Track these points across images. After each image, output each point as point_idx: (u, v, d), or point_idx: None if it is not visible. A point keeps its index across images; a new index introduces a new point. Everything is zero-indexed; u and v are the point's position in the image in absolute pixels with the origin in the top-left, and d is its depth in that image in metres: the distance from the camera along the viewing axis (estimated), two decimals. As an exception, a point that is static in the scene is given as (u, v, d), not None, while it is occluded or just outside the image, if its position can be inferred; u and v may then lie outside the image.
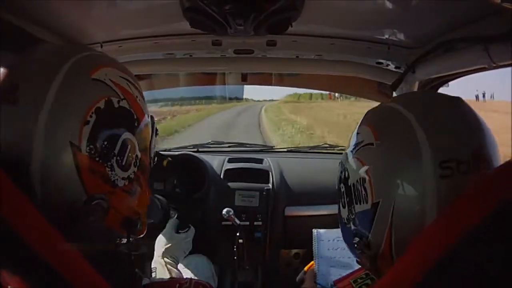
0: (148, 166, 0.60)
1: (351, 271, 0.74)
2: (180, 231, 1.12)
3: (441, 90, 1.35)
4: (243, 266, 1.35)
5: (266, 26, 0.90)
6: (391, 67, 1.28)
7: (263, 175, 1.56)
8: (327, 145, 2.07)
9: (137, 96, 0.56)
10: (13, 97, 0.47)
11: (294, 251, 1.65)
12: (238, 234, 1.33)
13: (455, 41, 0.91)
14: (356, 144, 0.58)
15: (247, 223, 1.45)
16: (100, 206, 0.50)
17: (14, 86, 0.47)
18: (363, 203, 0.54)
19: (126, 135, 0.53)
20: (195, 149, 1.85)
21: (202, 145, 1.94)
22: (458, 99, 0.56)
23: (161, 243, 1.07)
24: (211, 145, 1.97)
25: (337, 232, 1.08)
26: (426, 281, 0.44)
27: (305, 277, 1.04)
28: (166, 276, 0.97)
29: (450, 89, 1.22)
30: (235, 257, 1.35)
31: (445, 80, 1.28)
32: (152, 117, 0.61)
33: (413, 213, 0.50)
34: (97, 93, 0.50)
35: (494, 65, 0.80)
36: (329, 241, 1.08)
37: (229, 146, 1.98)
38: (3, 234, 0.43)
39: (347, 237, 0.63)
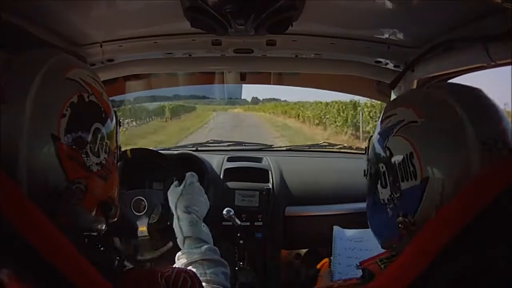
0: (115, 154, 0.68)
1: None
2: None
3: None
4: (243, 267, 1.35)
5: (267, 26, 0.90)
6: (390, 66, 1.29)
7: (262, 174, 1.56)
8: (326, 143, 2.07)
9: (102, 93, 0.64)
10: (2, 97, 0.53)
11: (294, 251, 1.65)
12: (238, 234, 1.33)
13: (454, 40, 0.91)
14: (395, 124, 0.59)
15: (248, 223, 1.44)
16: (79, 189, 0.57)
17: (1, 87, 0.54)
18: (411, 179, 0.55)
19: (96, 125, 0.60)
20: (194, 148, 1.85)
21: (201, 144, 1.94)
22: (480, 90, 0.60)
23: (171, 203, 1.02)
24: (210, 144, 1.97)
25: (355, 233, 1.09)
26: (442, 257, 0.47)
27: (319, 275, 1.04)
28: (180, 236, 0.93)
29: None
30: (236, 258, 1.35)
31: (444, 79, 1.29)
32: (115, 111, 0.68)
33: (460, 184, 0.51)
34: (70, 90, 0.58)
35: (494, 64, 0.81)
36: (347, 241, 1.08)
37: (228, 145, 1.97)
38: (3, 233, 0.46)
39: (382, 218, 0.63)
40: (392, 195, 0.59)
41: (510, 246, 0.47)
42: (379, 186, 0.62)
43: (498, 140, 0.53)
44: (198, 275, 0.79)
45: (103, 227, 0.65)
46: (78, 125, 0.57)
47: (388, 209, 0.60)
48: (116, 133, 0.68)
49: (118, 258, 0.63)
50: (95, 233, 0.64)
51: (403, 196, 0.57)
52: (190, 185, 1.02)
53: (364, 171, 0.70)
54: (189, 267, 0.85)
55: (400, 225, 0.57)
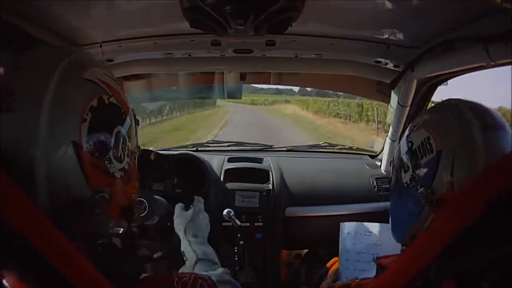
0: (136, 156, 0.65)
1: (375, 268, 0.80)
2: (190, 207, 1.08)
3: (440, 88, 1.36)
4: (243, 267, 1.35)
5: (267, 26, 0.90)
6: (390, 66, 1.29)
7: (263, 174, 1.56)
8: (326, 144, 2.07)
9: (120, 92, 0.60)
10: (10, 104, 0.48)
11: (295, 251, 1.65)
12: (238, 235, 1.33)
13: (454, 40, 0.91)
14: (415, 124, 0.74)
15: (248, 224, 1.44)
16: (103, 198, 0.53)
17: (10, 92, 0.49)
18: (429, 154, 0.67)
19: (118, 128, 0.56)
20: (195, 149, 1.85)
21: (201, 145, 1.94)
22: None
23: (179, 226, 1.03)
24: (211, 145, 1.97)
25: (363, 227, 1.10)
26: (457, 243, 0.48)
27: (328, 275, 1.04)
28: (193, 258, 0.94)
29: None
30: (236, 258, 1.35)
31: (443, 79, 1.29)
32: (132, 109, 0.65)
33: (469, 159, 0.63)
34: (90, 92, 0.53)
35: (494, 64, 0.81)
36: (355, 235, 1.09)
37: (228, 145, 1.97)
38: (5, 235, 0.45)
39: (406, 202, 0.72)
40: (413, 174, 0.70)
41: None
42: (402, 173, 0.74)
43: (495, 123, 0.65)
44: None
45: (122, 231, 0.63)
46: (99, 130, 0.53)
47: (410, 189, 0.70)
48: (136, 132, 0.64)
49: (134, 265, 0.62)
50: (113, 240, 0.61)
51: (422, 170, 0.68)
52: (199, 211, 1.05)
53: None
54: None
55: (421, 195, 0.66)
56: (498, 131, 0.65)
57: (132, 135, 0.61)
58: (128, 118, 0.60)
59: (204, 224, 1.03)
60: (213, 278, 0.83)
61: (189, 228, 1.00)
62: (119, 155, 0.56)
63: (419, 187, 0.67)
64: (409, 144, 0.73)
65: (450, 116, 0.69)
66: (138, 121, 0.67)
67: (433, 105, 0.84)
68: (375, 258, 0.79)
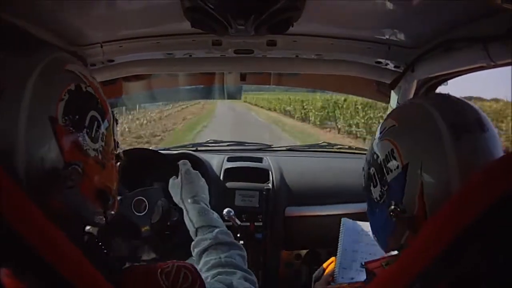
0: (112, 146, 0.69)
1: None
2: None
3: (440, 88, 1.36)
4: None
5: (267, 26, 0.91)
6: (390, 66, 1.29)
7: (262, 174, 1.56)
8: (326, 143, 2.07)
9: (99, 88, 0.66)
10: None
11: (295, 252, 1.65)
12: (238, 235, 1.32)
13: (454, 41, 0.91)
14: (380, 132, 0.69)
15: (248, 223, 1.44)
16: (76, 170, 0.58)
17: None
18: (395, 169, 0.63)
19: (93, 112, 0.62)
20: (194, 148, 1.85)
21: (201, 144, 1.94)
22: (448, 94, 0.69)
23: (176, 199, 1.01)
24: (210, 144, 1.97)
25: (363, 225, 1.09)
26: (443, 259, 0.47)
27: (323, 275, 1.03)
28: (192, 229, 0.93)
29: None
30: None
31: (443, 79, 1.29)
32: (112, 110, 0.70)
33: (438, 169, 0.59)
34: (69, 79, 0.60)
35: (493, 64, 0.81)
36: (355, 233, 1.08)
37: (228, 145, 1.97)
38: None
39: (379, 217, 0.69)
40: (382, 190, 0.66)
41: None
42: (372, 187, 0.70)
43: (468, 123, 0.60)
44: (214, 261, 0.81)
45: (103, 220, 0.65)
46: (75, 110, 0.59)
47: (381, 205, 0.67)
48: (113, 127, 0.70)
49: (117, 256, 0.63)
50: (95, 227, 0.65)
51: (390, 187, 0.65)
52: (187, 173, 1.03)
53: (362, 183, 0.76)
54: (204, 254, 0.85)
55: (391, 214, 0.63)
56: (472, 132, 0.59)
57: (108, 128, 0.67)
58: (104, 111, 0.65)
59: (198, 185, 1.02)
60: (208, 242, 0.85)
61: (185, 195, 0.98)
62: (93, 135, 0.61)
63: (389, 204, 0.64)
64: (375, 156, 0.69)
65: (414, 120, 0.64)
66: (116, 120, 0.72)
67: (397, 106, 0.81)
68: (363, 264, 0.78)
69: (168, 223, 1.28)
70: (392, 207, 0.63)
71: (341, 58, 1.33)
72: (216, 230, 0.89)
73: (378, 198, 0.68)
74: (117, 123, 0.73)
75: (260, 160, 1.66)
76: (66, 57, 0.64)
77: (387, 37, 1.11)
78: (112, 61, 1.24)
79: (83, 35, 1.07)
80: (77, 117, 0.59)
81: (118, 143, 0.73)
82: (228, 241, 0.87)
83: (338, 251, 1.05)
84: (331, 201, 1.52)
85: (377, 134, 0.70)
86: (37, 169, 0.55)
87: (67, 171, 0.57)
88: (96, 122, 0.62)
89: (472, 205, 0.47)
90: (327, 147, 2.04)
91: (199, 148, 1.86)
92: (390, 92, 1.48)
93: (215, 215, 0.95)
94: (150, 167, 1.46)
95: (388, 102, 1.53)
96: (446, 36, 0.94)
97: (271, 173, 1.56)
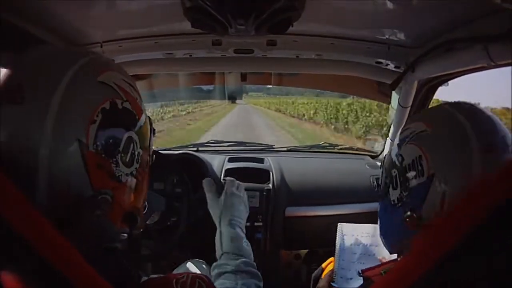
0: (147, 163, 0.64)
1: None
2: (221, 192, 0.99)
3: (440, 89, 1.36)
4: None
5: (267, 26, 0.90)
6: (391, 66, 1.29)
7: (263, 174, 1.56)
8: (327, 144, 2.07)
9: (137, 98, 0.60)
10: (18, 97, 0.48)
11: (294, 252, 1.64)
12: None
13: (454, 41, 0.91)
14: (407, 136, 0.67)
15: (248, 223, 1.44)
16: (105, 200, 0.53)
17: (19, 86, 0.49)
18: (419, 177, 0.62)
19: (129, 133, 0.56)
20: (195, 149, 1.85)
21: (202, 144, 1.94)
22: (485, 109, 0.66)
23: (215, 218, 0.95)
24: (211, 144, 1.96)
25: (361, 228, 1.09)
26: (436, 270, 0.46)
27: (323, 276, 1.03)
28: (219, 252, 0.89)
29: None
30: None
31: (444, 80, 1.29)
32: (149, 118, 0.65)
33: (463, 184, 0.57)
34: (103, 95, 0.53)
35: (494, 64, 0.81)
36: (352, 236, 1.08)
37: (229, 145, 1.97)
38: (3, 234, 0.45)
39: (392, 219, 0.69)
40: (401, 194, 0.66)
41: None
42: (390, 189, 0.69)
43: (497, 142, 0.59)
44: (229, 285, 0.78)
45: (126, 238, 0.61)
46: (109, 133, 0.53)
47: (397, 208, 0.67)
48: (150, 141, 0.64)
49: (134, 267, 0.60)
50: (117, 245, 0.60)
51: (411, 193, 0.64)
52: (232, 194, 0.97)
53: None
54: (221, 277, 0.82)
55: (407, 220, 0.62)
56: (500, 153, 0.58)
57: (145, 142, 0.61)
58: (142, 126, 0.60)
59: (238, 209, 0.94)
60: (230, 267, 0.82)
61: (224, 217, 0.92)
62: (127, 159, 0.56)
63: (406, 209, 0.63)
64: (399, 159, 0.68)
65: (446, 131, 0.63)
66: (154, 130, 0.67)
67: (429, 109, 0.80)
68: (361, 272, 0.76)
69: (168, 223, 1.29)
70: (409, 212, 0.62)
71: (341, 58, 1.33)
72: (242, 259, 0.85)
73: (396, 201, 0.67)
74: (154, 134, 0.67)
75: (261, 160, 1.66)
76: (99, 62, 0.57)
77: (387, 37, 1.11)
78: (112, 60, 1.24)
79: (83, 35, 1.07)
80: (110, 141, 0.53)
81: (153, 155, 0.68)
82: (250, 270, 0.84)
83: (336, 253, 1.05)
84: (331, 202, 1.52)
85: (403, 135, 0.69)
86: (61, 194, 0.50)
87: (96, 200, 0.52)
88: (132, 145, 0.57)
89: (471, 213, 0.47)
90: (328, 147, 2.03)
91: (200, 148, 1.86)
92: (390, 93, 1.48)
93: (246, 243, 0.91)
94: (151, 167, 1.46)
95: (389, 102, 1.53)
96: (447, 36, 0.94)
97: (272, 173, 1.56)
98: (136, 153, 0.58)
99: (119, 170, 0.55)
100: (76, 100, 0.51)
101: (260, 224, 1.46)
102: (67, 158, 0.50)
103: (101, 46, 1.13)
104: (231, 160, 1.64)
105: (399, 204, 0.66)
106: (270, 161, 1.64)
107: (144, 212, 1.20)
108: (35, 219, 0.46)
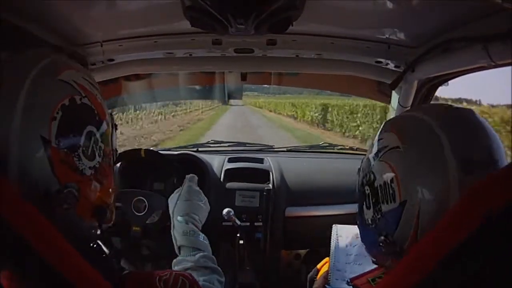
0: (111, 157, 0.66)
1: (369, 269, 0.77)
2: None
3: (441, 89, 1.36)
4: (243, 267, 1.34)
5: (267, 25, 0.90)
6: (391, 66, 1.29)
7: (263, 175, 1.56)
8: (327, 144, 2.07)
9: (97, 95, 0.62)
10: None
11: (294, 252, 1.65)
12: (238, 235, 1.32)
13: (454, 41, 0.91)
14: (381, 149, 0.63)
15: (248, 223, 1.44)
16: (71, 193, 0.55)
17: None
18: (391, 202, 0.59)
19: (89, 128, 0.59)
20: (195, 149, 1.85)
21: (202, 145, 1.94)
22: (470, 110, 0.61)
23: (170, 206, 0.98)
24: (211, 145, 1.97)
25: (356, 229, 1.09)
26: (430, 277, 0.46)
27: (318, 277, 1.03)
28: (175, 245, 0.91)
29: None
30: (236, 258, 1.34)
31: (444, 79, 1.29)
32: (111, 114, 0.67)
33: (438, 209, 0.54)
34: (62, 92, 0.56)
35: (494, 64, 0.81)
36: (347, 237, 1.08)
37: (229, 146, 1.97)
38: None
39: (368, 237, 0.67)
40: (374, 216, 0.63)
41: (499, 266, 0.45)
42: (364, 207, 0.67)
43: (480, 162, 0.54)
44: None
45: (98, 233, 0.63)
46: (69, 128, 0.56)
47: (372, 229, 0.64)
48: (112, 136, 0.66)
49: (115, 260, 0.63)
50: (90, 239, 0.62)
51: (383, 217, 0.61)
52: (187, 189, 0.99)
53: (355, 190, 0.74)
54: None
55: (381, 244, 0.60)
56: (482, 173, 0.51)
57: (106, 137, 0.63)
58: (103, 121, 0.62)
59: (194, 205, 0.96)
60: (189, 264, 0.84)
61: (177, 211, 0.94)
62: (89, 153, 0.58)
63: (380, 232, 0.61)
64: (371, 176, 0.64)
65: (421, 149, 0.57)
66: (116, 125, 0.69)
67: (403, 116, 0.72)
68: (349, 280, 0.76)
69: (168, 223, 1.28)
70: (382, 237, 0.60)
71: (341, 58, 1.33)
72: (200, 253, 0.86)
73: (370, 222, 0.65)
74: (116, 129, 0.70)
75: (260, 161, 1.66)
76: (59, 62, 0.60)
77: (387, 36, 1.11)
78: (112, 60, 1.24)
79: (83, 34, 1.07)
80: (71, 135, 0.56)
81: (116, 150, 0.70)
82: (210, 265, 0.85)
83: (330, 254, 1.05)
84: (331, 202, 1.52)
85: (376, 148, 0.64)
86: (30, 189, 0.52)
87: (62, 194, 0.54)
88: (93, 138, 0.59)
89: (460, 226, 0.46)
90: (328, 147, 2.04)
91: (200, 149, 1.86)
92: (390, 92, 1.48)
93: (201, 237, 0.91)
94: (151, 168, 1.46)
95: (389, 102, 1.53)
96: (446, 36, 0.94)
97: (272, 173, 1.56)
98: (97, 147, 0.60)
99: (82, 164, 0.57)
100: (38, 98, 0.53)
101: (260, 224, 1.46)
102: (33, 155, 0.52)
103: (101, 46, 1.13)
104: (231, 160, 1.64)
105: (373, 225, 0.64)
106: (270, 161, 1.64)
107: (144, 212, 1.22)
108: (35, 219, 0.47)
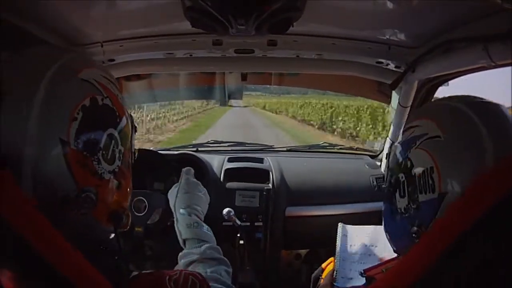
0: (129, 160, 0.64)
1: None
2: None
3: (441, 89, 1.36)
4: (243, 267, 1.34)
5: (268, 26, 0.90)
6: (391, 66, 1.29)
7: (263, 174, 1.56)
8: (327, 144, 2.07)
9: (117, 95, 0.60)
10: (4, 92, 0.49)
11: (295, 251, 1.65)
12: (238, 235, 1.32)
13: (455, 41, 0.91)
14: (419, 136, 0.61)
15: (248, 223, 1.44)
16: (89, 198, 0.53)
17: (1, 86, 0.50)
18: (429, 192, 0.57)
19: (110, 130, 0.56)
20: (195, 149, 1.85)
21: (202, 145, 1.94)
22: (496, 103, 0.61)
23: (171, 201, 0.97)
24: (211, 145, 1.96)
25: (361, 229, 1.09)
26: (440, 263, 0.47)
27: (323, 276, 1.03)
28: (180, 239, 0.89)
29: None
30: (236, 258, 1.34)
31: (444, 80, 1.29)
32: (131, 115, 0.65)
33: None
34: (83, 91, 0.53)
35: (494, 64, 0.81)
36: (352, 236, 1.08)
37: (229, 145, 1.97)
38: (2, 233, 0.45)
39: (397, 226, 0.65)
40: (409, 205, 0.61)
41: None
42: (397, 195, 0.64)
43: None
44: None
45: (111, 236, 0.62)
46: (90, 130, 0.53)
47: (404, 218, 0.62)
48: (131, 137, 0.64)
49: (123, 262, 0.61)
50: (104, 243, 0.61)
51: (419, 207, 0.59)
52: (186, 182, 0.97)
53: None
54: (189, 267, 0.82)
55: (414, 235, 0.59)
56: None
57: (126, 140, 0.61)
58: (123, 123, 0.59)
59: (194, 196, 0.95)
60: (196, 256, 0.82)
61: (178, 204, 0.93)
62: (109, 156, 0.56)
63: (413, 223, 0.59)
64: (408, 163, 0.62)
65: (463, 141, 0.56)
66: (135, 127, 0.67)
67: (438, 102, 0.70)
68: (363, 271, 0.75)
69: (168, 223, 1.29)
70: (416, 228, 0.58)
71: (342, 58, 1.33)
72: (206, 245, 0.85)
73: (402, 211, 0.63)
74: (136, 131, 0.67)
75: (260, 160, 1.66)
76: (79, 60, 0.57)
77: (387, 37, 1.11)
78: (113, 60, 1.24)
79: (84, 35, 1.07)
80: (92, 138, 0.53)
81: (135, 153, 0.68)
82: (216, 256, 0.84)
83: (336, 252, 1.05)
84: (331, 202, 1.52)
85: (412, 134, 0.63)
86: (46, 193, 0.50)
87: (80, 198, 0.52)
88: (113, 141, 0.57)
89: (473, 208, 0.47)
90: (327, 147, 2.04)
91: (199, 149, 1.86)
92: (391, 92, 1.48)
93: (206, 228, 0.91)
94: (151, 168, 1.46)
95: (389, 102, 1.53)
96: (447, 36, 0.94)
97: (272, 173, 1.56)
98: (117, 150, 0.58)
99: (101, 168, 0.55)
100: (57, 98, 0.51)
101: (260, 224, 1.46)
102: (50, 157, 0.50)
103: (102, 46, 1.13)
104: (230, 160, 1.64)
105: (406, 214, 0.62)
106: (269, 161, 1.64)
107: (144, 212, 1.22)
108: (35, 219, 0.47)
